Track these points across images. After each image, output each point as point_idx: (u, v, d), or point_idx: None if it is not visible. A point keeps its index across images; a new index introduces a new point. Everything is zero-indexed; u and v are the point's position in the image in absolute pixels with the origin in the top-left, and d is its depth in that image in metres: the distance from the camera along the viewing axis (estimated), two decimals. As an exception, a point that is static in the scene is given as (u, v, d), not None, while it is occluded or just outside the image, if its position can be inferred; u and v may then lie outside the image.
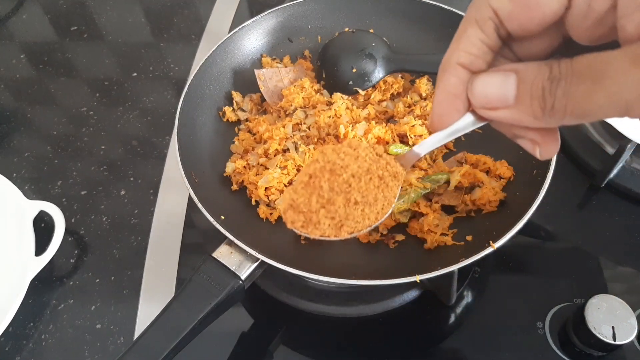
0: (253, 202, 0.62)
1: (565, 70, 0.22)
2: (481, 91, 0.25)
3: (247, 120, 0.70)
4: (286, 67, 0.74)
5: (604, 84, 0.21)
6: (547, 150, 0.27)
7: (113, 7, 1.04)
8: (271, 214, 0.61)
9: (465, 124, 0.28)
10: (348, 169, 0.38)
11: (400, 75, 0.72)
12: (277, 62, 0.75)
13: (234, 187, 0.63)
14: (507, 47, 0.27)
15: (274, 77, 0.73)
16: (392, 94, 0.71)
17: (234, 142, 0.68)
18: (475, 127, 0.28)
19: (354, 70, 0.69)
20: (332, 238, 0.39)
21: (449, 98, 0.26)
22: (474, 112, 0.27)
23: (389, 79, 0.71)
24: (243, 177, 0.63)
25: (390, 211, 0.39)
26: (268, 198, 0.62)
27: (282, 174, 0.62)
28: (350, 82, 0.69)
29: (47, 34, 1.00)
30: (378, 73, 0.69)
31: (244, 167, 0.64)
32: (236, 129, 0.70)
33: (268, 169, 0.63)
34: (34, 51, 0.97)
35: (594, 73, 0.21)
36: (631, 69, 0.20)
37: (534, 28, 0.24)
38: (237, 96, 0.71)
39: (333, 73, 0.71)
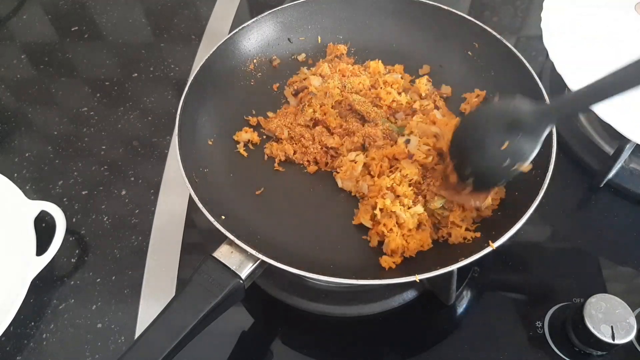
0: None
1: None
2: None
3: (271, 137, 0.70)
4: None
5: None
6: None
7: (113, 7, 1.04)
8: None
9: None
10: None
11: (400, 76, 0.73)
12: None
13: (241, 148, 0.67)
14: None
15: None
16: (391, 94, 0.72)
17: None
18: None
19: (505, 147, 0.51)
20: None
21: None
22: None
23: (389, 79, 0.71)
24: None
25: None
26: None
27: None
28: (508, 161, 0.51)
29: (48, 35, 1.00)
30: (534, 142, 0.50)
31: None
32: (244, 130, 0.69)
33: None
34: (35, 51, 0.97)
35: None
36: None
37: None
38: (247, 133, 0.69)
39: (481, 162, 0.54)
